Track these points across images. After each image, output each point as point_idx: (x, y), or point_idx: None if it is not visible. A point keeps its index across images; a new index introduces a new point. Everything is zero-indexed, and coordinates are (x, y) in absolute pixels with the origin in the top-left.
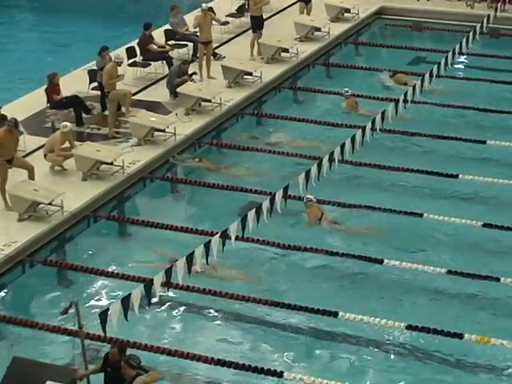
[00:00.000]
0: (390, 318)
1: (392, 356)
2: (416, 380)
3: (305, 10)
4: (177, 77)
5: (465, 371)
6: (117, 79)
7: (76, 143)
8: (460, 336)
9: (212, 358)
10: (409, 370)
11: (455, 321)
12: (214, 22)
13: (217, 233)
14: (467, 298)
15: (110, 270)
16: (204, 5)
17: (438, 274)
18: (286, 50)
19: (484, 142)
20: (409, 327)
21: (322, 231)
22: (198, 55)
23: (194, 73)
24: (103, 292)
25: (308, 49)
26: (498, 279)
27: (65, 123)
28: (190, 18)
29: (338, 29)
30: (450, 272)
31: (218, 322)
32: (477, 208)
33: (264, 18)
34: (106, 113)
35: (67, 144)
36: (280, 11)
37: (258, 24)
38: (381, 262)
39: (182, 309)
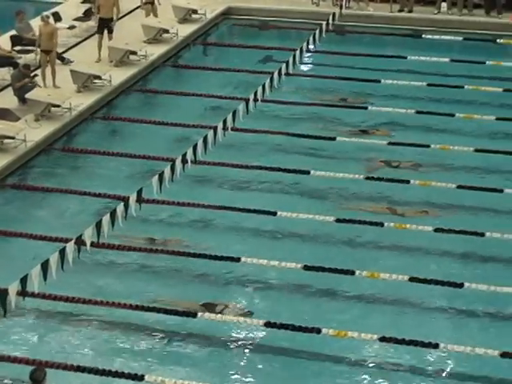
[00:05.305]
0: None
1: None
2: None
3: (151, 12)
4: (17, 81)
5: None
6: None
7: None
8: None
9: (72, 365)
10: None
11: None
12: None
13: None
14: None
15: None
16: (44, 13)
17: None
18: (135, 53)
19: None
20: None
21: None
22: None
23: (36, 75)
24: None
25: (157, 51)
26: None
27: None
28: (36, 24)
29: (186, 30)
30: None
31: (80, 329)
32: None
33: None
34: None
35: None
36: (127, 13)
37: (103, 26)
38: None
39: (38, 317)
